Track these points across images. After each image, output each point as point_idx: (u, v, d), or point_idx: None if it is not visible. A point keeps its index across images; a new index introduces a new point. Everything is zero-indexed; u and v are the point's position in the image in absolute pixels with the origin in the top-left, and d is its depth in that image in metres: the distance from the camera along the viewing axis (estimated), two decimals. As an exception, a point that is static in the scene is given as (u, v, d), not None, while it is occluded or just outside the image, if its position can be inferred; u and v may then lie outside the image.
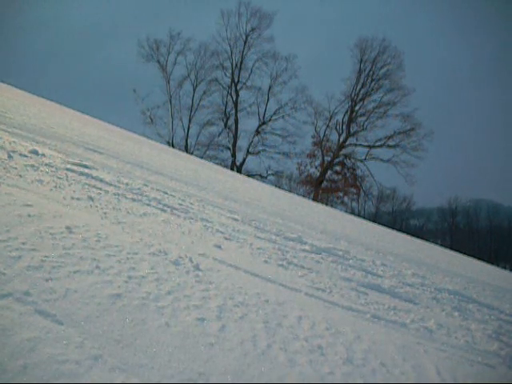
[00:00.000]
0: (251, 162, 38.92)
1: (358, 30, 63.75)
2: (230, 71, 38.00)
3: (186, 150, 36.09)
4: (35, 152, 4.81)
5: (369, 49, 35.91)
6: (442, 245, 28.77)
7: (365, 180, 36.95)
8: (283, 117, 37.48)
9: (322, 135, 37.54)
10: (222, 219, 5.26)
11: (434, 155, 55.84)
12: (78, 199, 3.56)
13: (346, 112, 37.03)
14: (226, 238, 4.18)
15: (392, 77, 35.56)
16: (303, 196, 30.93)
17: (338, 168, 37.93)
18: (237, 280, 2.89)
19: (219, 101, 38.07)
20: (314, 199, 33.49)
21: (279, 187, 30.42)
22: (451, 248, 26.13)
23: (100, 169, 5.51)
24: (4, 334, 1.50)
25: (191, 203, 5.62)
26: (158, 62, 37.21)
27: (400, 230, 27.72)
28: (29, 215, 2.62)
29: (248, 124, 42.36)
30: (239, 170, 35.60)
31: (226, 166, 31.73)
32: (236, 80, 38.02)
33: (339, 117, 37.25)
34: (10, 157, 4.11)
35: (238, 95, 38.07)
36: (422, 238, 24.03)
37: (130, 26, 53.15)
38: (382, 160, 35.85)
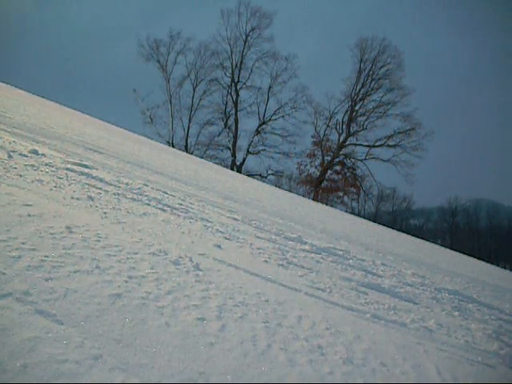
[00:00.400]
0: (251, 162, 39.00)
1: (358, 29, 63.71)
2: (230, 71, 38.06)
3: (186, 149, 36.12)
4: (35, 152, 4.81)
5: (369, 48, 36.03)
6: (442, 244, 28.78)
7: (365, 180, 37.02)
8: (283, 116, 37.54)
9: (321, 135, 37.62)
10: (221, 219, 5.26)
11: (434, 155, 55.83)
12: (78, 199, 3.56)
13: (346, 112, 37.11)
14: (225, 238, 4.18)
15: (392, 76, 35.66)
16: (303, 196, 30.94)
17: (337, 168, 38.00)
18: (237, 280, 2.89)
19: (219, 100, 38.14)
20: (314, 199, 33.51)
21: (279, 187, 30.43)
22: (451, 248, 26.15)
23: (100, 168, 5.51)
24: (4, 333, 1.50)
25: (191, 203, 5.62)
26: (158, 61, 37.29)
27: (400, 229, 27.75)
28: (29, 215, 2.62)
29: (248, 124, 42.46)
30: (239, 170, 35.62)
31: (226, 166, 31.76)
32: (236, 80, 38.08)
33: (339, 116, 37.33)
34: (9, 156, 4.11)
35: (237, 95, 38.12)
36: (422, 237, 24.04)
37: (130, 26, 53.16)
38: (381, 160, 35.93)
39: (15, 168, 3.80)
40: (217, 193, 8.00)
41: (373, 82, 36.52)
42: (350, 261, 5.26)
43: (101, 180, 4.71)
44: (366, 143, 36.49)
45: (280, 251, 4.41)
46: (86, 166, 5.12)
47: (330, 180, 38.21)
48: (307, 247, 5.13)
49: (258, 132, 37.69)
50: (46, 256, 2.15)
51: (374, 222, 25.60)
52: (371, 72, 36.34)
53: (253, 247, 4.18)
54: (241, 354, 1.92)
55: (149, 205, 4.42)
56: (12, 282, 1.81)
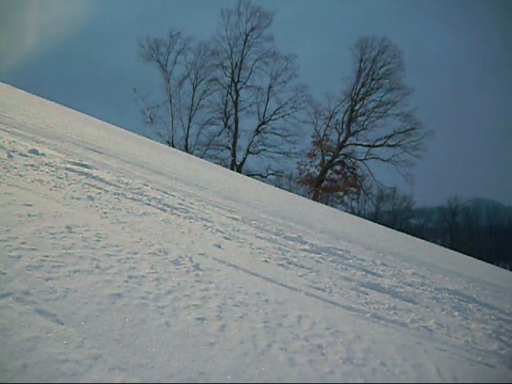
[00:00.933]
0: (251, 162, 39.01)
1: (358, 30, 63.72)
2: (230, 71, 38.07)
3: (186, 149, 36.12)
4: (35, 151, 4.81)
5: (369, 48, 36.04)
6: (442, 244, 28.79)
7: (365, 179, 37.03)
8: (283, 116, 37.54)
9: (321, 135, 37.62)
10: (221, 219, 5.26)
11: (434, 155, 55.87)
12: (77, 199, 3.56)
13: (346, 111, 37.11)
14: (225, 238, 4.18)
15: (392, 76, 35.67)
16: (303, 196, 30.92)
17: (337, 167, 38.01)
18: (237, 279, 2.89)
19: (219, 100, 38.16)
20: (314, 199, 33.51)
21: (279, 187, 30.42)
22: (451, 247, 26.13)
23: (100, 168, 5.51)
24: (4, 333, 1.50)
25: (191, 203, 5.62)
26: (158, 61, 37.30)
27: (400, 229, 27.71)
28: (29, 215, 2.62)
29: (248, 123, 42.45)
30: (239, 170, 35.62)
31: (225, 166, 31.77)
32: (236, 79, 38.09)
33: (339, 116, 37.34)
34: (9, 156, 4.12)
35: (238, 95, 38.13)
36: (422, 237, 24.04)
37: (130, 26, 53.11)
38: (381, 159, 35.94)
39: (15, 168, 3.80)
40: (217, 193, 8.00)
41: (373, 82, 36.55)
42: (350, 261, 5.26)
43: (101, 180, 4.71)
44: (366, 143, 36.53)
45: (280, 251, 4.41)
46: (85, 166, 5.12)
47: (330, 180, 38.24)
48: (307, 247, 5.13)
49: (258, 132, 37.72)
50: (46, 256, 2.15)
51: (374, 221, 25.57)
52: (371, 72, 36.37)
53: (253, 247, 4.18)
54: (241, 353, 1.92)
55: (149, 205, 4.42)
56: (12, 281, 1.81)
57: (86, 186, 4.15)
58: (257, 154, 37.56)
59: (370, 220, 24.61)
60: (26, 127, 6.84)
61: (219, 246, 3.69)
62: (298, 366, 1.99)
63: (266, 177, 36.89)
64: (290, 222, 7.45)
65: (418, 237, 21.47)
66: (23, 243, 2.19)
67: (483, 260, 21.13)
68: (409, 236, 19.18)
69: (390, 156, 35.49)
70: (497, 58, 63.81)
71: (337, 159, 37.54)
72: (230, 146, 37.30)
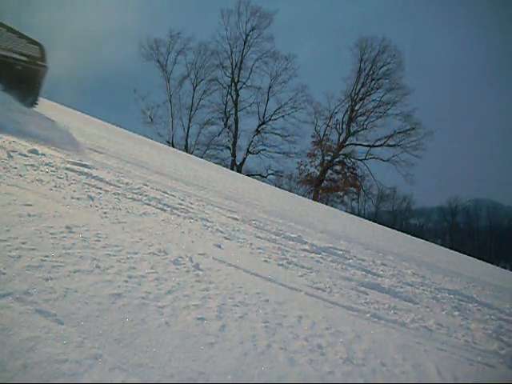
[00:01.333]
0: (251, 162, 39.07)
1: (358, 29, 63.69)
2: (230, 71, 38.18)
3: (186, 149, 36.16)
4: (35, 151, 4.81)
5: (369, 48, 36.24)
6: (442, 244, 28.81)
7: (365, 179, 37.15)
8: (283, 116, 37.68)
9: (321, 135, 37.73)
10: (221, 219, 5.26)
11: (434, 154, 55.90)
12: (77, 199, 3.56)
13: (346, 111, 37.22)
14: (225, 238, 4.18)
15: (392, 76, 35.81)
16: (303, 195, 30.93)
17: (337, 167, 38.10)
18: (237, 279, 2.89)
19: (219, 100, 38.27)
20: (314, 199, 33.52)
21: (279, 187, 30.43)
22: (451, 247, 26.16)
23: (100, 168, 5.50)
24: (4, 333, 1.50)
25: (191, 203, 5.62)
26: (158, 61, 37.46)
27: (400, 229, 27.75)
28: (29, 215, 2.62)
29: (248, 123, 42.48)
30: (239, 170, 35.66)
31: (225, 166, 31.82)
32: (236, 79, 38.17)
33: (339, 116, 37.45)
34: (9, 156, 4.11)
35: (238, 95, 38.21)
36: (422, 237, 24.07)
37: (130, 26, 53.15)
38: (381, 160, 36.03)
39: (15, 168, 3.79)
40: (217, 192, 8.01)
41: (373, 82, 36.69)
42: (350, 260, 5.26)
43: (101, 180, 4.71)
44: (366, 143, 36.62)
45: (280, 251, 4.41)
46: (85, 166, 5.12)
47: (330, 180, 38.32)
48: (307, 247, 5.13)
49: (257, 132, 37.77)
50: (46, 256, 2.15)
51: (374, 221, 25.58)
52: (371, 72, 36.52)
53: (253, 247, 4.18)
54: (241, 353, 1.92)
55: (149, 204, 4.42)
56: (12, 281, 1.81)
57: (86, 186, 4.15)
58: (257, 154, 37.66)
59: (370, 220, 24.63)
60: (26, 127, 6.82)
61: (219, 246, 3.69)
62: (297, 365, 1.99)
63: (266, 177, 36.99)
64: (290, 221, 7.46)
65: (418, 237, 21.49)
66: (23, 243, 2.19)
67: (483, 260, 21.16)
68: (409, 236, 19.19)
69: (389, 156, 35.63)
70: (497, 58, 63.82)
71: (337, 159, 37.63)
72: (230, 146, 37.40)
